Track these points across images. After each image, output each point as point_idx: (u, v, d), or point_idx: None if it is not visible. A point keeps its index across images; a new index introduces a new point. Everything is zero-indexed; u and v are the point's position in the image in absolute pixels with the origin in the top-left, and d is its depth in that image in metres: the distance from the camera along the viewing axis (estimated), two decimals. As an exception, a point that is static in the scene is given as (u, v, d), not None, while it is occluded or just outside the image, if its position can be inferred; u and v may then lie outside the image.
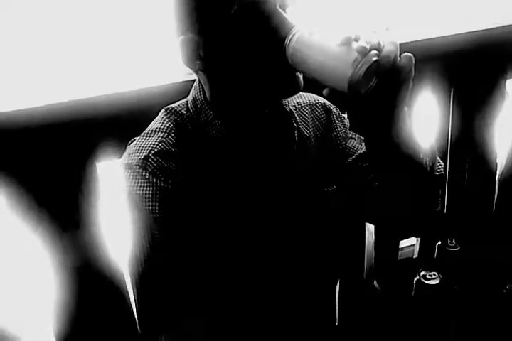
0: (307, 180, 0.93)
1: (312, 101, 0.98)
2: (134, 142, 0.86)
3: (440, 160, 0.91)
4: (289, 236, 0.92)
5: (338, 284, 1.14)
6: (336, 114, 0.99)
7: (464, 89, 1.54)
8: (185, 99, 0.90)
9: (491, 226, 1.70)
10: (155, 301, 0.85)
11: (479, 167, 1.65)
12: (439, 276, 1.32)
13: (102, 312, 1.29)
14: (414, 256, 1.74)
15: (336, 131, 0.98)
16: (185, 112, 0.87)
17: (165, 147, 0.82)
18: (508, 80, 1.59)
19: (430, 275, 1.33)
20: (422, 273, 1.34)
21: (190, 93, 0.89)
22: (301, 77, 0.78)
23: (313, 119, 0.97)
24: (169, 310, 0.85)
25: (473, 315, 1.37)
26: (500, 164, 1.73)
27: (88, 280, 1.24)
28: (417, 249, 1.73)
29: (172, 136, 0.84)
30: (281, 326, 0.97)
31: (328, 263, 1.01)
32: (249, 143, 0.87)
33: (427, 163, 0.81)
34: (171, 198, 0.81)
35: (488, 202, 1.74)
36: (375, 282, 1.60)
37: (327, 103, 0.99)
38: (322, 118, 0.98)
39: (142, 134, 0.86)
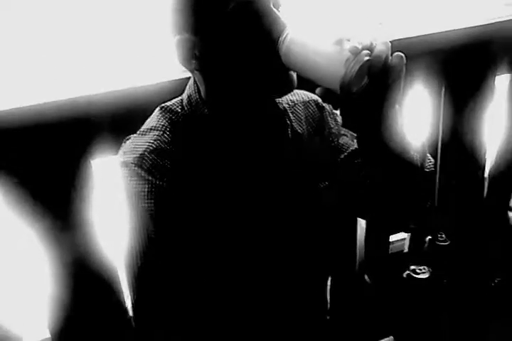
0: (300, 176, 0.94)
1: (305, 98, 0.99)
2: (130, 140, 0.87)
3: (430, 157, 0.92)
4: (282, 231, 0.93)
5: (329, 278, 1.15)
6: (328, 111, 1.00)
7: (455, 85, 1.55)
8: (180, 97, 0.90)
9: (480, 221, 1.73)
10: (151, 298, 0.86)
11: (469, 163, 1.67)
12: (428, 270, 1.34)
13: (97, 307, 1.30)
14: (404, 250, 1.76)
15: (328, 128, 0.98)
16: (180, 110, 0.88)
17: (160, 145, 0.83)
18: (497, 77, 1.61)
19: (420, 270, 1.35)
20: (412, 267, 1.36)
21: (185, 91, 0.89)
22: (294, 75, 0.79)
23: (306, 116, 0.97)
24: (165, 307, 0.86)
25: (463, 308, 1.39)
26: (490, 160, 1.75)
27: (83, 277, 1.24)
28: (407, 243, 1.74)
29: (167, 134, 0.84)
30: (273, 319, 0.98)
31: (320, 257, 1.02)
32: (244, 141, 0.88)
33: (418, 160, 0.83)
34: (166, 195, 0.81)
35: (478, 198, 1.76)
36: (366, 276, 1.62)
37: (320, 100, 0.99)
38: (315, 115, 0.98)
39: (138, 132, 0.87)
